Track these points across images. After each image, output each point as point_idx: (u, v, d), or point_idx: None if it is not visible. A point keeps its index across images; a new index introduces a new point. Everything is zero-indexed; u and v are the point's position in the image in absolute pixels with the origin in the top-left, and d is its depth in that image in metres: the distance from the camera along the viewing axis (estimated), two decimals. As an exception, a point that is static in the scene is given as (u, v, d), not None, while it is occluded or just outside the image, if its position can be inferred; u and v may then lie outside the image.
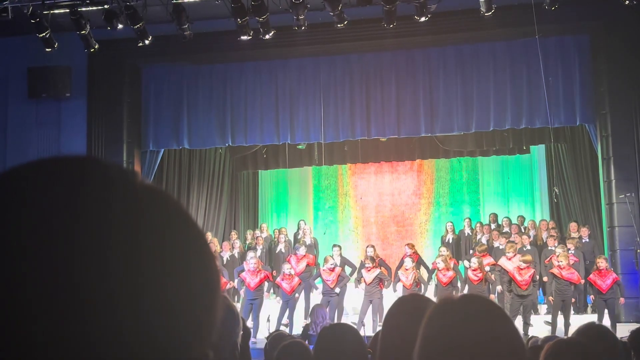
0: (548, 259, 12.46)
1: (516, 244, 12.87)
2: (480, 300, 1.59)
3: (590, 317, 11.47)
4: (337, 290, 12.54)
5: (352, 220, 18.29)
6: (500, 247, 13.04)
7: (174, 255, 0.59)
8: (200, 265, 0.61)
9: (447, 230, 15.25)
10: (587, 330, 3.24)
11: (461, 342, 1.43)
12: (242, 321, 3.14)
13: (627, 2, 11.49)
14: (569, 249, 12.59)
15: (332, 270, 12.62)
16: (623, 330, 8.78)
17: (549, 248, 12.76)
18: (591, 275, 11.79)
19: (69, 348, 0.54)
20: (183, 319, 0.58)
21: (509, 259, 12.20)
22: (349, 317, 12.90)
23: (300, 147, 16.01)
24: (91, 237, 0.56)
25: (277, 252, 14.90)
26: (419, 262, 13.34)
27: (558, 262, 11.68)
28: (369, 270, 12.51)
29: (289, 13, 11.81)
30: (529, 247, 13.05)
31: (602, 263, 11.66)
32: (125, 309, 0.55)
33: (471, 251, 13.99)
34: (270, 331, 9.58)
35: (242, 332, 3.03)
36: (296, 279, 12.77)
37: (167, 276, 0.58)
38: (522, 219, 15.43)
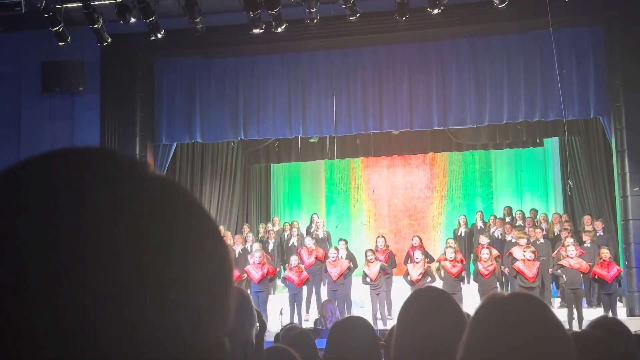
0: (555, 252, 12.42)
1: (529, 235, 12.89)
2: (528, 297, 1.59)
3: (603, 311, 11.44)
4: (342, 282, 12.63)
5: (364, 214, 18.30)
6: (513, 240, 13.02)
7: (186, 244, 0.59)
8: (212, 253, 0.61)
9: (459, 224, 15.22)
10: (601, 323, 3.22)
11: (510, 340, 1.44)
12: (257, 316, 3.14)
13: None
14: (585, 242, 12.56)
15: (335, 262, 12.67)
16: (638, 324, 8.73)
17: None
18: (595, 268, 11.72)
19: (82, 338, 0.54)
20: (198, 307, 0.58)
21: (521, 246, 12.25)
22: (359, 312, 12.91)
23: (312, 140, 16.01)
24: (101, 228, 0.56)
25: (289, 245, 14.94)
26: (425, 254, 13.35)
27: (567, 253, 11.68)
28: (370, 264, 12.53)
29: (301, 6, 11.81)
30: (542, 240, 13.01)
31: (605, 254, 11.63)
32: (135, 299, 0.55)
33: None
34: (283, 324, 9.62)
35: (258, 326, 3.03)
36: (304, 273, 12.81)
37: (179, 264, 0.58)
38: (534, 212, 15.36)
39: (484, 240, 13.23)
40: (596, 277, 11.74)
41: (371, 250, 12.95)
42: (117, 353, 0.55)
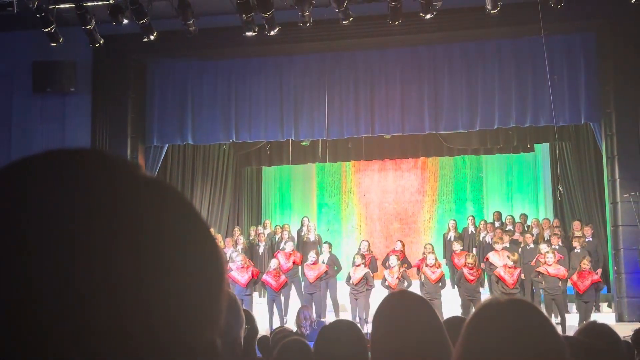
0: (534, 260, 12.44)
1: (505, 237, 12.99)
2: (524, 304, 1.59)
3: (592, 316, 11.49)
4: (319, 285, 12.64)
5: (355, 218, 18.30)
6: (507, 246, 13.07)
7: (178, 245, 0.60)
8: (205, 254, 0.62)
9: (449, 228, 15.25)
10: (589, 329, 3.23)
11: (506, 345, 1.44)
12: (249, 318, 3.13)
13: (634, 0, 11.45)
14: (574, 248, 12.63)
15: (313, 265, 12.67)
16: (626, 330, 8.77)
17: (553, 247, 12.75)
18: (573, 275, 11.84)
19: (79, 338, 0.54)
20: (189, 308, 0.59)
21: (497, 252, 12.33)
22: (340, 315, 12.88)
23: (304, 143, 16.00)
24: (95, 229, 0.56)
25: (280, 248, 14.90)
26: (403, 260, 13.40)
27: (545, 259, 11.74)
28: (357, 268, 12.56)
29: (294, 9, 11.80)
30: (532, 245, 13.05)
31: (585, 264, 11.71)
32: (130, 299, 0.56)
33: (474, 249, 14.03)
34: (273, 327, 9.58)
35: (247, 327, 3.03)
36: (283, 277, 12.78)
37: (172, 265, 0.58)
38: (525, 217, 15.41)
39: (457, 247, 13.35)
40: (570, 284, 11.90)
41: (360, 255, 12.97)
42: (113, 354, 0.55)
